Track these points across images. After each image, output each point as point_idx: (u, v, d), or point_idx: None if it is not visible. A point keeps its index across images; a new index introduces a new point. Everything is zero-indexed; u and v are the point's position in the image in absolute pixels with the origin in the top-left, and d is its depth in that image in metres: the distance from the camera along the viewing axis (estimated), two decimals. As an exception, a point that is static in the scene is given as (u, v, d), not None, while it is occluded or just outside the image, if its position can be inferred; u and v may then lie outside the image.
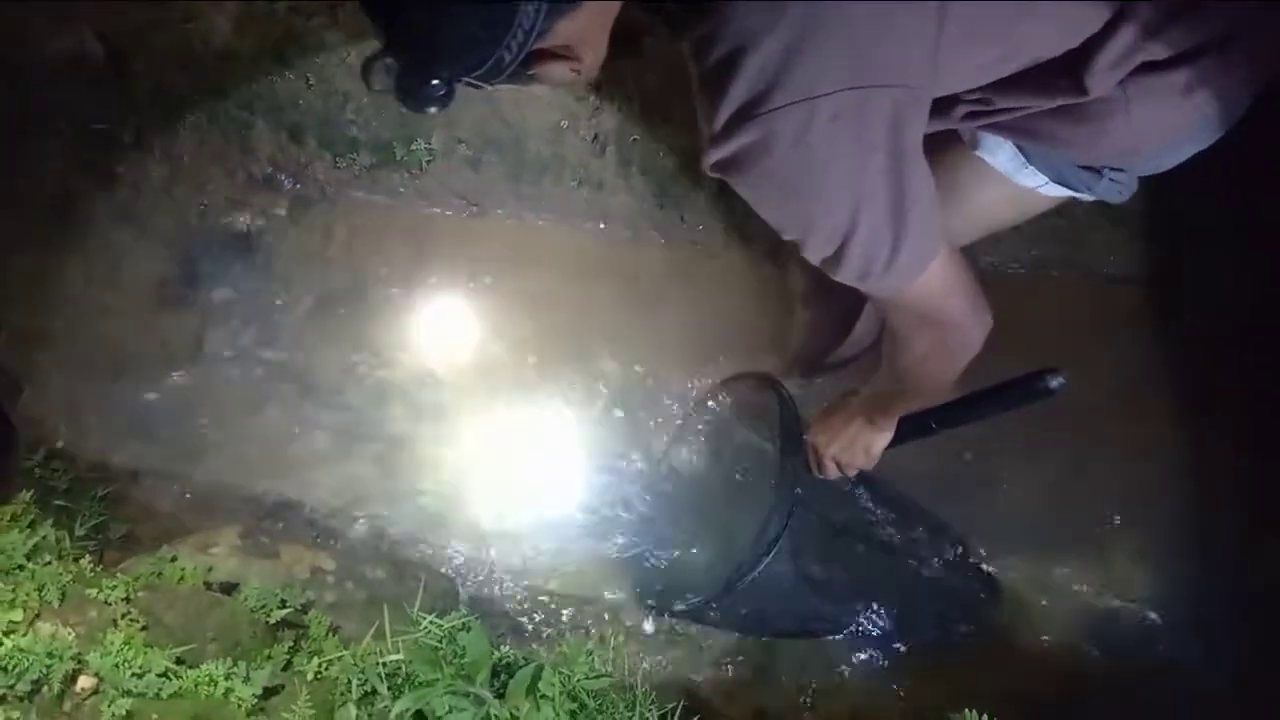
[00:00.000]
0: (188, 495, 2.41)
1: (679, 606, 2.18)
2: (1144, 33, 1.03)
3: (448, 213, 2.71)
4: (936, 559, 2.24)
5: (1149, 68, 1.09)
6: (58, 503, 2.19)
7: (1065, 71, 1.06)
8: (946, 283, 1.10)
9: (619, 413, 2.54)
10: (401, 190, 2.70)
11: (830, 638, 2.28)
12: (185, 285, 2.62)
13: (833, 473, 1.73)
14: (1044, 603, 2.37)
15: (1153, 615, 2.36)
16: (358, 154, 2.63)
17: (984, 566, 2.36)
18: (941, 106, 1.12)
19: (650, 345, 2.58)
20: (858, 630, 2.27)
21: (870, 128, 0.92)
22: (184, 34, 2.51)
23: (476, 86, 0.99)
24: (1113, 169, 1.29)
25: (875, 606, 2.26)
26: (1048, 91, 1.09)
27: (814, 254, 1.03)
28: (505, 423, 2.53)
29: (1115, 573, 2.39)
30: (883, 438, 1.59)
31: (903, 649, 2.28)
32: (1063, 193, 1.35)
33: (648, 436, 2.50)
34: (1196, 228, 2.54)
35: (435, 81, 0.97)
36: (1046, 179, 1.32)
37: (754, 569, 1.90)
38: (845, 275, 1.03)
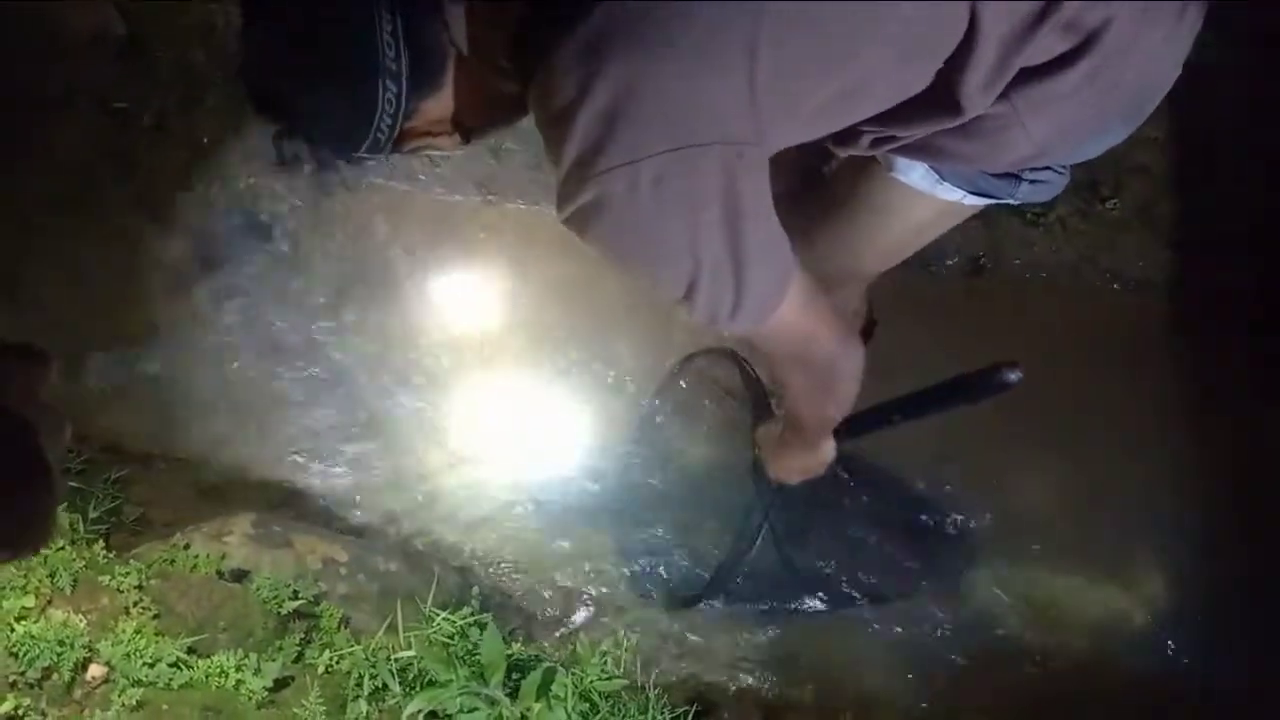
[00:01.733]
0: (202, 480, 2.40)
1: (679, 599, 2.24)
2: (1009, 42, 1.01)
3: (466, 200, 2.68)
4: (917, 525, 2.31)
5: (1029, 75, 1.07)
6: (72, 484, 2.17)
7: (938, 96, 1.05)
8: (802, 321, 1.13)
9: (632, 401, 2.51)
10: (421, 177, 2.67)
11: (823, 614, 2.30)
12: (203, 269, 2.60)
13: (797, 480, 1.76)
14: (1056, 607, 2.35)
15: (1166, 620, 2.34)
16: (380, 138, 2.60)
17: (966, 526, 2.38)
18: (845, 137, 1.15)
19: (667, 334, 2.55)
20: (848, 607, 2.30)
21: (697, 186, 0.94)
22: (207, 14, 2.49)
23: (372, 157, 1.08)
24: (1032, 170, 1.30)
25: (865, 581, 2.29)
26: (929, 117, 1.09)
27: (665, 298, 1.06)
28: (522, 412, 2.51)
29: (1129, 578, 2.37)
30: (824, 451, 1.62)
31: (904, 632, 2.30)
32: (983, 201, 1.37)
33: (660, 424, 2.47)
34: (1221, 232, 2.50)
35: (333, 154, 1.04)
36: (964, 191, 1.33)
37: (738, 562, 2.00)
38: (696, 318, 1.06)
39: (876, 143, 1.19)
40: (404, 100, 1.01)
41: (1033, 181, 1.32)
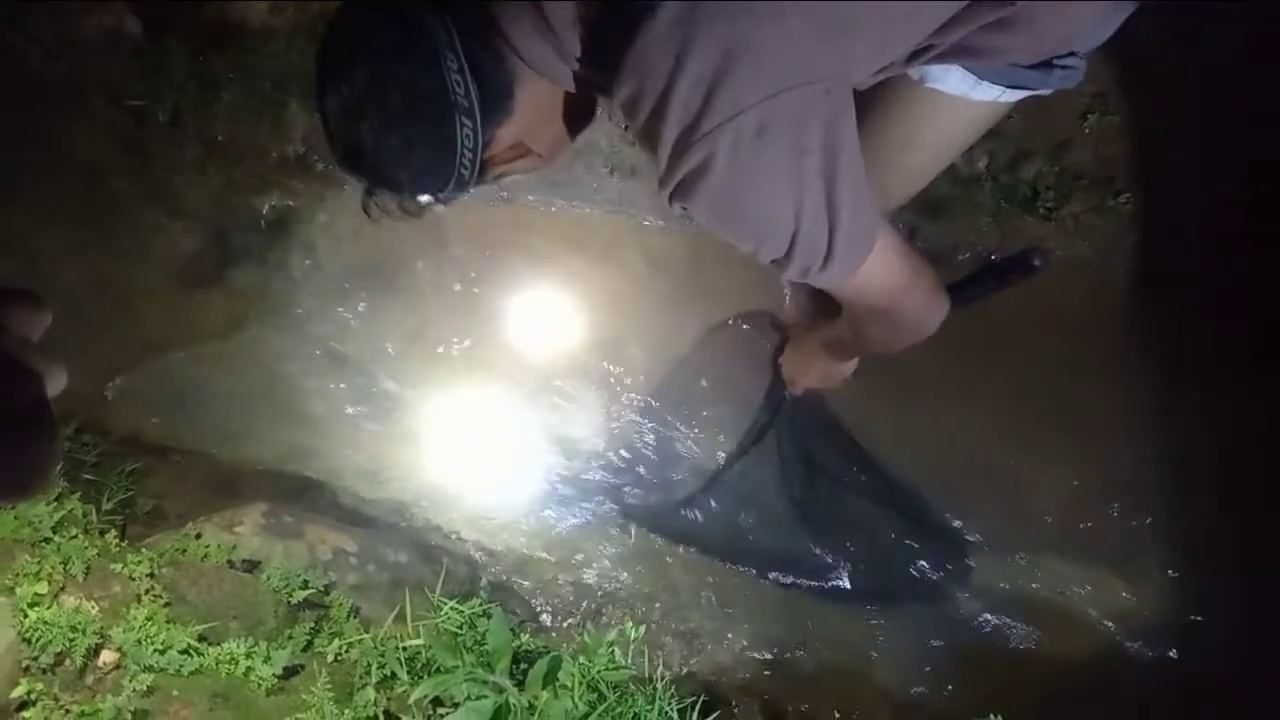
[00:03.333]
0: (216, 472, 2.42)
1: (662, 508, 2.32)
2: None
3: (478, 199, 2.69)
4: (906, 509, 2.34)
5: None
6: (86, 476, 2.20)
7: None
8: (890, 275, 1.15)
9: (641, 397, 2.52)
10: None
11: (810, 587, 2.32)
12: (216, 263, 2.63)
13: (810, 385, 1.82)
14: (1065, 604, 2.34)
15: (1175, 619, 2.32)
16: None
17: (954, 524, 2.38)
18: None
19: (677, 331, 2.56)
20: (837, 579, 2.32)
21: (796, 131, 0.98)
22: (222, 12, 2.51)
23: (458, 196, 1.16)
24: (1059, 58, 1.31)
25: (852, 550, 2.32)
26: (978, 15, 1.11)
27: (765, 258, 1.09)
28: (531, 407, 2.52)
29: (1138, 576, 2.35)
30: (849, 365, 1.67)
31: (905, 627, 2.30)
32: (1021, 95, 1.38)
33: (674, 421, 2.48)
34: (1240, 231, 2.47)
35: (422, 200, 1.14)
36: (1001, 87, 1.35)
37: (743, 454, 2.09)
38: (790, 273, 1.09)
39: (913, 56, 1.19)
40: (480, 132, 1.07)
41: (1064, 68, 1.32)
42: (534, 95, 1.10)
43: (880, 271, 1.12)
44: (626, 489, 2.43)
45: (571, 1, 1.01)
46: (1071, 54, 1.32)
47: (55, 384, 0.57)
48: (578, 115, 1.18)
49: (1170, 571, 2.34)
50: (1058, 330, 2.50)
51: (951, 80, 1.33)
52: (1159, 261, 2.57)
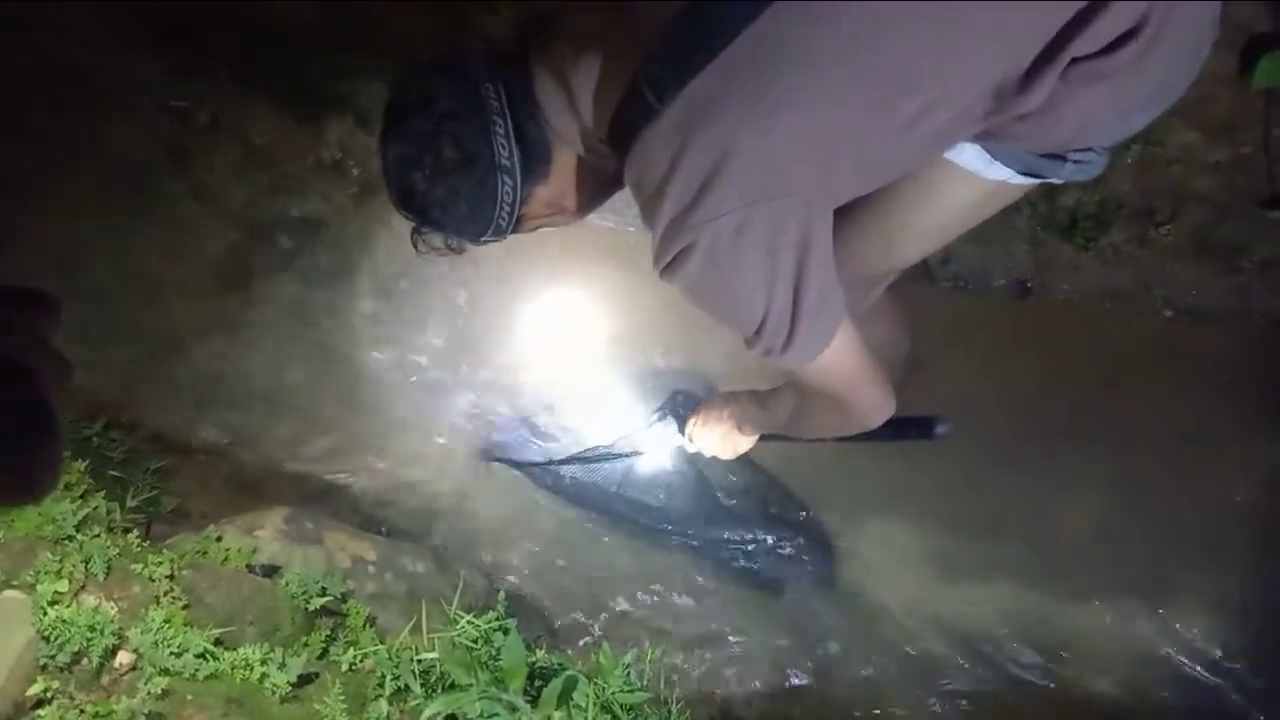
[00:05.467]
0: (238, 472, 2.43)
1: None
2: (1066, 34, 1.10)
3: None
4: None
5: (1081, 58, 1.14)
6: (112, 473, 2.21)
7: (1005, 91, 1.14)
8: (849, 367, 1.26)
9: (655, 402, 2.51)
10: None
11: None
12: (249, 264, 2.64)
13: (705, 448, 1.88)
14: (1098, 643, 2.29)
15: (1211, 662, 2.26)
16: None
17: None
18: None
19: (694, 339, 2.56)
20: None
21: (770, 234, 1.09)
22: (263, 14, 2.53)
23: (496, 240, 1.30)
24: (1075, 151, 1.36)
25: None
26: (999, 108, 1.16)
27: (736, 335, 1.21)
28: (550, 414, 2.51)
29: (1167, 607, 2.30)
30: (747, 443, 1.75)
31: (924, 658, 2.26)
32: (1032, 181, 1.42)
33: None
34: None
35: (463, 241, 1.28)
36: (1013, 170, 1.39)
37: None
38: (756, 351, 1.21)
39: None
40: (519, 190, 1.23)
41: (1077, 161, 1.37)
42: (568, 161, 1.26)
43: (837, 363, 1.23)
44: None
45: (593, 90, 1.16)
46: (1089, 149, 1.36)
47: (62, 384, 0.56)
48: (609, 180, 1.29)
49: (1209, 614, 2.28)
50: (1095, 360, 2.46)
51: (967, 155, 1.37)
52: (1199, 295, 2.52)
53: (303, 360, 2.57)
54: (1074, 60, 1.13)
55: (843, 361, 1.24)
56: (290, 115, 2.68)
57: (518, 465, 2.46)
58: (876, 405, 1.34)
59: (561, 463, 2.38)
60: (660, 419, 2.13)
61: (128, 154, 2.65)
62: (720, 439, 1.76)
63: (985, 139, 1.32)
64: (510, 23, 2.27)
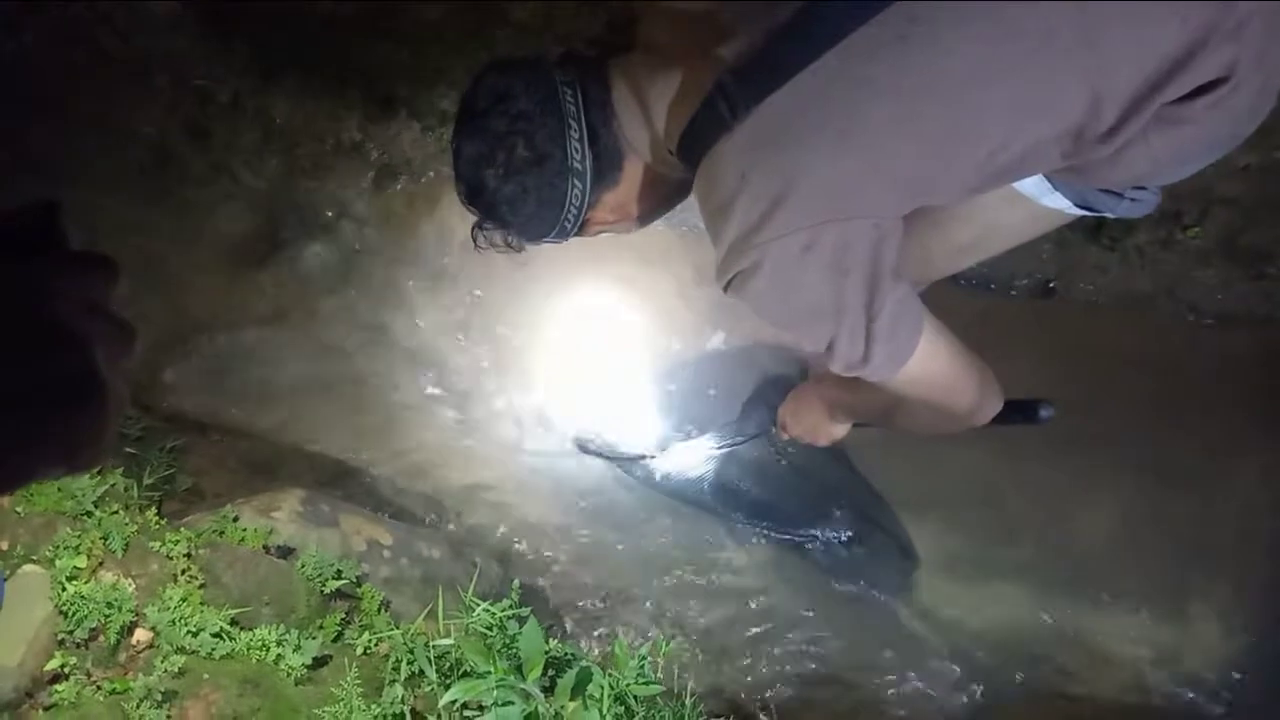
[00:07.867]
0: (253, 453, 2.42)
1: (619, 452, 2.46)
2: (1159, 82, 1.07)
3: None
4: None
5: (1166, 103, 1.13)
6: (129, 450, 2.21)
7: (1089, 134, 1.11)
8: (937, 375, 1.25)
9: (674, 395, 2.51)
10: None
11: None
12: (268, 246, 2.63)
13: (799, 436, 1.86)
14: (1115, 649, 2.28)
15: (1228, 673, 2.25)
16: (447, 128, 2.61)
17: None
18: None
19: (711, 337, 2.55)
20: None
21: (838, 255, 1.09)
22: (287, -3, 2.52)
23: (559, 241, 1.32)
24: (1134, 189, 1.37)
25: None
26: (1077, 151, 1.13)
27: (810, 350, 1.21)
28: (570, 406, 2.51)
29: (1185, 616, 2.29)
30: (841, 429, 1.72)
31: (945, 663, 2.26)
32: (1084, 213, 1.42)
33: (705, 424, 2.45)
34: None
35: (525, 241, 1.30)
36: (1070, 202, 1.40)
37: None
38: (835, 368, 1.21)
39: None
40: (587, 194, 1.25)
41: (1133, 200, 1.37)
42: (636, 170, 1.27)
43: (926, 370, 1.22)
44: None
45: (669, 101, 1.17)
46: (1142, 187, 1.36)
47: (119, 350, 0.54)
48: (674, 191, 1.31)
49: (1218, 626, 2.27)
50: (1116, 362, 2.44)
51: (1027, 180, 1.37)
52: (1225, 299, 2.50)
53: (318, 342, 2.57)
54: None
55: (931, 368, 1.23)
56: (311, 97, 2.67)
57: (612, 458, 2.46)
58: (978, 405, 1.33)
59: (652, 458, 2.40)
60: (751, 409, 2.15)
61: (149, 133, 2.63)
62: (813, 426, 1.74)
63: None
64: (535, 9, 2.25)
